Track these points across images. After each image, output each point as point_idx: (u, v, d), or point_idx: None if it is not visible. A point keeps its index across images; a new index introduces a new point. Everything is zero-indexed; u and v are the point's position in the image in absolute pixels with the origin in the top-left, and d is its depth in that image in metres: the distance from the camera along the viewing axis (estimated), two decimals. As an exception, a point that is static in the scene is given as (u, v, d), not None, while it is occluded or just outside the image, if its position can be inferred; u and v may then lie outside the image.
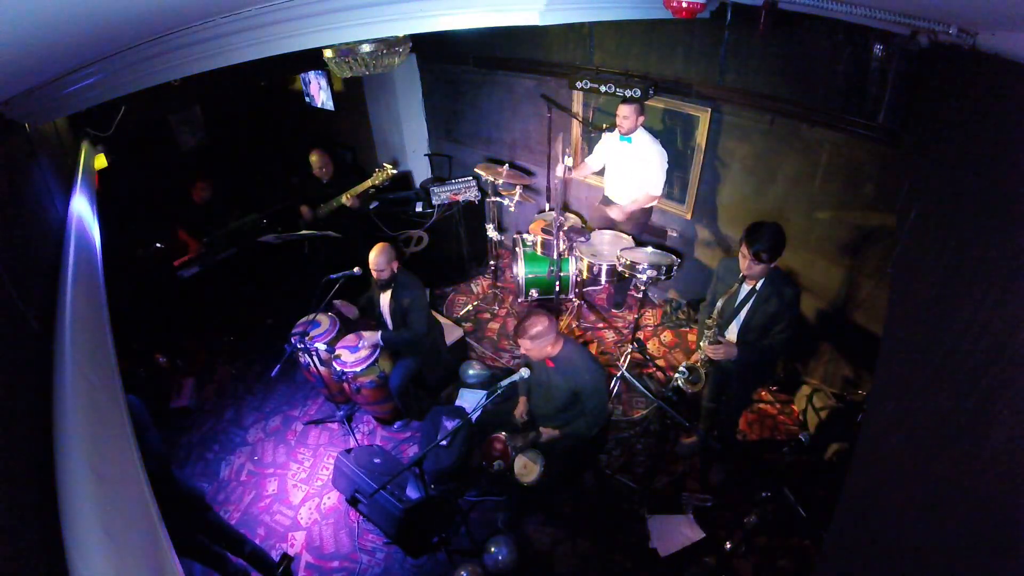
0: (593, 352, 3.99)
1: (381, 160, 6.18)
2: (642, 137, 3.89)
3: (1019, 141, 1.28)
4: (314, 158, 4.63)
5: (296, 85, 6.53)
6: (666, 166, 3.95)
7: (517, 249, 4.65)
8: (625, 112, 3.75)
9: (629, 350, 4.13)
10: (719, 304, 2.77)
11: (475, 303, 5.06)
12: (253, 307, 5.18)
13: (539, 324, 2.71)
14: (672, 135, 4.12)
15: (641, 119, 3.83)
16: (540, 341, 2.73)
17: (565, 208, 4.97)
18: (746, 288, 2.76)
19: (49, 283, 1.81)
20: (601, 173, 4.39)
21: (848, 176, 3.34)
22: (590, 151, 4.42)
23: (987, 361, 1.14)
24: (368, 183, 4.44)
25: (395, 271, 3.48)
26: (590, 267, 4.11)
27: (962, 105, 1.76)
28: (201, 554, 2.85)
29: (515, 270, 4.72)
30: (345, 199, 4.49)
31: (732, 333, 2.90)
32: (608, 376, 3.81)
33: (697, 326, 3.99)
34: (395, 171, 4.45)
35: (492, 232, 4.74)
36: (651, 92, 3.81)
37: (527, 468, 2.92)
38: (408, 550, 2.98)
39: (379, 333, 3.62)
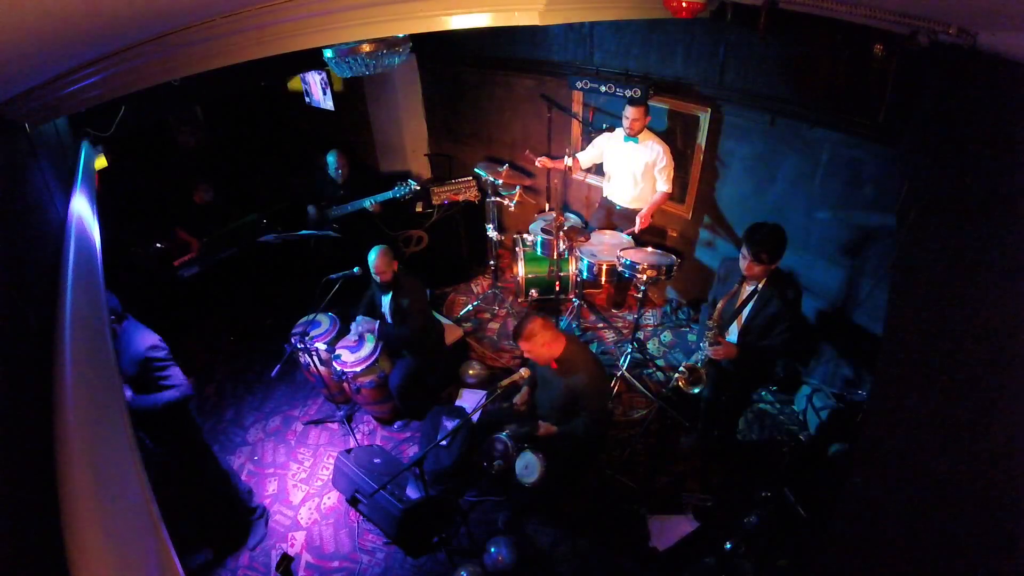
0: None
1: (381, 160, 6.17)
2: (648, 136, 3.90)
3: (1019, 141, 1.28)
4: (333, 158, 4.65)
5: (296, 85, 6.52)
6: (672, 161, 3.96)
7: (517, 249, 4.65)
8: (634, 114, 3.74)
9: (629, 350, 4.13)
10: (720, 305, 2.77)
11: (475, 303, 5.06)
12: (253, 307, 5.17)
13: (531, 324, 2.75)
14: (672, 135, 4.11)
15: (647, 119, 3.84)
16: (535, 341, 2.74)
17: (565, 208, 4.97)
18: (747, 289, 2.76)
19: (49, 283, 1.81)
20: (591, 171, 4.36)
21: (848, 176, 3.33)
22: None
23: (987, 361, 1.14)
24: (391, 194, 4.48)
25: (396, 271, 3.51)
26: (590, 267, 4.11)
27: (962, 105, 1.76)
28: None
29: (515, 270, 4.72)
30: (371, 206, 4.52)
31: (733, 334, 2.90)
32: (609, 377, 3.81)
33: (698, 326, 4.00)
34: (418, 187, 4.52)
35: (492, 232, 4.74)
36: (651, 92, 3.81)
37: (529, 469, 2.92)
38: (408, 550, 2.99)
39: (377, 323, 3.67)
